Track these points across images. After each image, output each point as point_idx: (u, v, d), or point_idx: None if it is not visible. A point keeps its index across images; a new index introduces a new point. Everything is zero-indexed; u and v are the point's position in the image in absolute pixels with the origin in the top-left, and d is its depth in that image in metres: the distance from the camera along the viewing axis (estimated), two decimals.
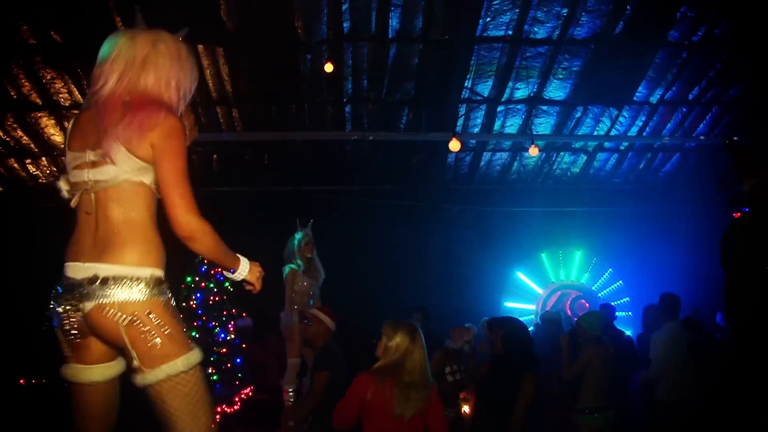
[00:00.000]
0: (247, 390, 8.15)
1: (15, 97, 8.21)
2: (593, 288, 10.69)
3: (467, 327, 6.69)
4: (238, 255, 2.49)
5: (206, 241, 2.32)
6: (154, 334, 2.25)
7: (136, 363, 2.26)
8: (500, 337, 5.13)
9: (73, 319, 2.30)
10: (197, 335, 7.61)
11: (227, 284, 8.20)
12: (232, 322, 8.28)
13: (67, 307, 2.29)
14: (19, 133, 8.79)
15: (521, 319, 6.14)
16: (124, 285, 2.24)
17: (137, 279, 2.25)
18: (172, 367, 2.26)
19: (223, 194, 9.36)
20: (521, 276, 10.68)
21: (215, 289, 8.28)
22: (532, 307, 10.54)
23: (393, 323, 3.91)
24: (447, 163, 10.24)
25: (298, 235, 6.54)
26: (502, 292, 10.48)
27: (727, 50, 8.40)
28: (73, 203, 2.37)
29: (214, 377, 7.80)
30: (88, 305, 2.25)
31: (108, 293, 2.23)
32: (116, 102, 2.32)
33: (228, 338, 8.18)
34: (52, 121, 8.70)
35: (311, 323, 5.67)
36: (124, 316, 2.23)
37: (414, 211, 9.92)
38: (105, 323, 2.25)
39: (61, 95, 8.28)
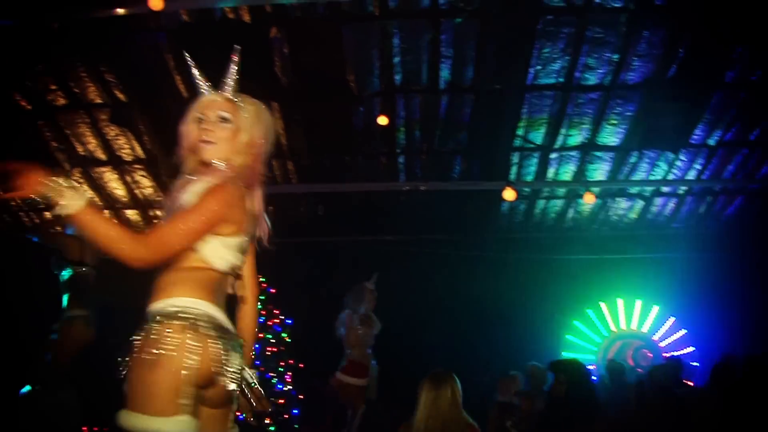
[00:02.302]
0: None
1: (82, 153, 8.66)
2: (655, 337, 10.35)
3: (512, 375, 6.57)
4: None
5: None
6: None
7: None
8: (563, 382, 5.00)
9: None
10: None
11: (284, 334, 8.23)
12: (289, 374, 8.28)
13: None
14: (85, 187, 9.17)
15: None
16: None
17: None
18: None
19: (278, 245, 9.44)
20: (580, 325, 10.42)
21: (272, 340, 8.33)
22: (592, 357, 10.25)
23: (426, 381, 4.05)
24: (501, 211, 10.17)
25: (369, 285, 6.60)
26: (561, 343, 10.23)
27: None
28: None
29: (272, 429, 7.83)
30: None
31: None
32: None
33: (285, 389, 8.19)
34: (116, 176, 9.11)
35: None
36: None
37: (469, 261, 9.83)
38: None
39: (123, 151, 8.68)
